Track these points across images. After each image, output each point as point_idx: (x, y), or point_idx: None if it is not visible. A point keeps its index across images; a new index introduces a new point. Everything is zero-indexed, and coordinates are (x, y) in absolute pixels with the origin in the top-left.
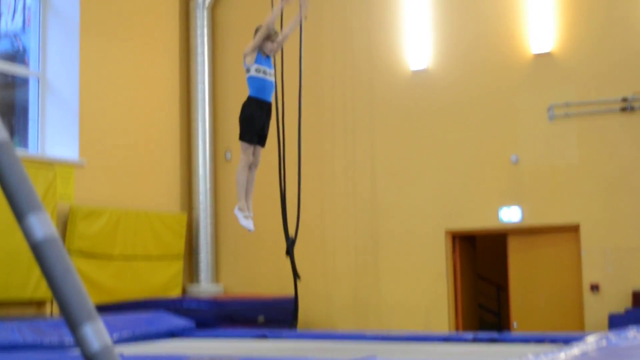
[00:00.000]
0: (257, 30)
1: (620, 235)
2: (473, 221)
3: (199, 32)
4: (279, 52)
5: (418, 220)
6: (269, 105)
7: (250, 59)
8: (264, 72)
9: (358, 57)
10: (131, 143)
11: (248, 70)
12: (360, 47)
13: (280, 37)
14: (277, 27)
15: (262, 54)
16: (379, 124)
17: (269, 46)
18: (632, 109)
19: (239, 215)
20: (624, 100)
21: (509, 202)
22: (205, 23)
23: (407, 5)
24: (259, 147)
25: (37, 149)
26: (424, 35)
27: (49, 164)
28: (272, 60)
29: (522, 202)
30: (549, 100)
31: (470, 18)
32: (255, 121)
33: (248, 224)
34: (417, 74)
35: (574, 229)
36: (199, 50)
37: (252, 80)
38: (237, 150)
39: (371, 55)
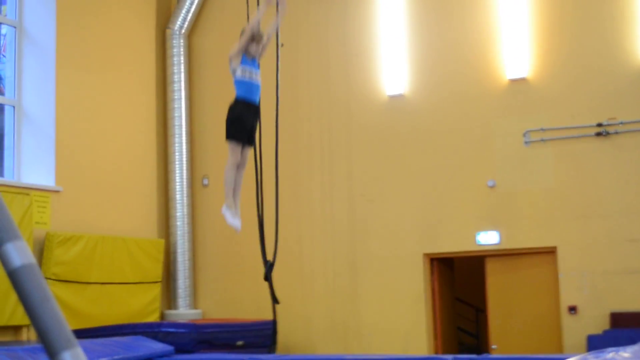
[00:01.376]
0: (242, 33)
1: (596, 258)
2: (451, 244)
3: (175, 59)
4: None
5: (396, 244)
6: (256, 106)
7: (236, 62)
8: (250, 74)
9: (335, 81)
10: (108, 169)
11: (234, 73)
12: (337, 72)
13: (264, 39)
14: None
15: (248, 56)
16: (356, 148)
17: (253, 48)
18: (607, 133)
19: (227, 214)
20: (599, 125)
21: (486, 226)
22: (182, 51)
23: (384, 31)
24: (246, 147)
25: (13, 176)
26: (400, 60)
27: (25, 191)
28: (257, 62)
29: (499, 225)
30: (525, 125)
31: (446, 44)
32: (243, 121)
33: (235, 222)
34: (393, 99)
35: (551, 252)
36: (175, 77)
37: (238, 83)
38: (215, 176)
39: (348, 80)
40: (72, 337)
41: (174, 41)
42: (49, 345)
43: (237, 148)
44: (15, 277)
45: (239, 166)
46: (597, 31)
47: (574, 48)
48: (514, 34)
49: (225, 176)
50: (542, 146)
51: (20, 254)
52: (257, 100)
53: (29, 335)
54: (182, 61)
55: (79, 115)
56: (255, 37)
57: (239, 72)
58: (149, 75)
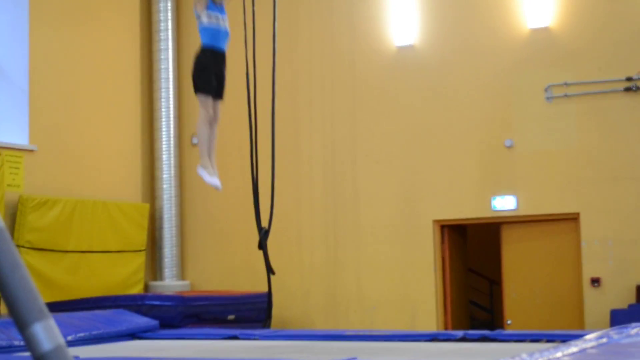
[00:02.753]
0: None
1: (623, 225)
2: (464, 210)
3: (161, 5)
4: (250, 25)
5: (403, 210)
6: (223, 54)
7: (200, 7)
8: (217, 19)
9: (338, 31)
10: (87, 128)
11: (199, 18)
12: (341, 20)
13: None
14: None
15: (215, 1)
16: (361, 106)
17: None
18: (637, 89)
19: (203, 174)
20: (629, 79)
21: (502, 190)
22: (169, 2)
23: None
24: (217, 101)
25: None
26: (409, 8)
27: None
28: (224, 7)
29: (517, 190)
30: (547, 79)
31: None
32: (211, 72)
33: (214, 181)
34: (402, 50)
35: (574, 219)
36: (162, 25)
37: (204, 30)
38: None
39: (352, 30)
40: (44, 307)
41: None
42: (18, 317)
43: (208, 101)
44: None
45: (212, 121)
46: None
47: None
48: None
49: (199, 133)
50: (565, 102)
51: None
52: (225, 47)
53: (0, 309)
54: (169, 12)
55: (55, 69)
56: None
57: (204, 18)
58: (131, 24)
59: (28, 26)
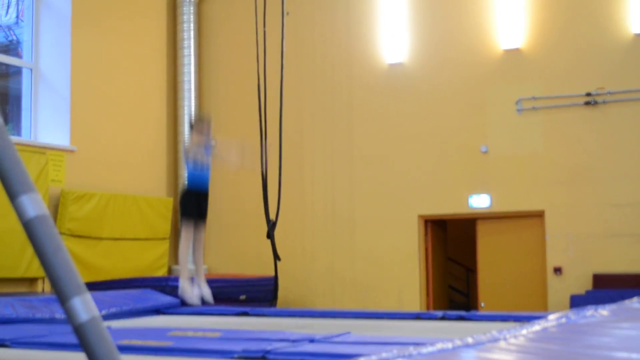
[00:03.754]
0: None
1: (582, 221)
2: (444, 207)
3: (185, 26)
4: (261, 43)
5: (392, 205)
6: (206, 193)
7: (192, 155)
8: (202, 165)
9: (338, 49)
10: (120, 130)
11: (187, 163)
12: (340, 40)
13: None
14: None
15: (202, 148)
16: (357, 114)
17: (205, 140)
18: (595, 103)
19: (185, 291)
20: (588, 94)
21: (478, 190)
22: (192, 18)
23: (385, 2)
24: (200, 222)
25: (30, 136)
26: (400, 30)
27: (41, 150)
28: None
29: (490, 189)
30: (518, 94)
31: (444, 15)
32: (194, 207)
33: (195, 301)
34: (393, 67)
35: (539, 215)
36: (186, 43)
37: (191, 175)
38: (221, 138)
39: (350, 49)
40: (82, 284)
41: (185, 8)
42: (60, 292)
43: (190, 224)
44: (29, 227)
45: (197, 240)
46: (588, 4)
47: (566, 20)
48: (509, 6)
49: (181, 253)
50: (533, 114)
51: (34, 205)
52: (207, 188)
53: (44, 287)
54: (192, 27)
55: (93, 78)
56: (202, 130)
57: (191, 165)
58: (160, 40)
59: (70, 38)
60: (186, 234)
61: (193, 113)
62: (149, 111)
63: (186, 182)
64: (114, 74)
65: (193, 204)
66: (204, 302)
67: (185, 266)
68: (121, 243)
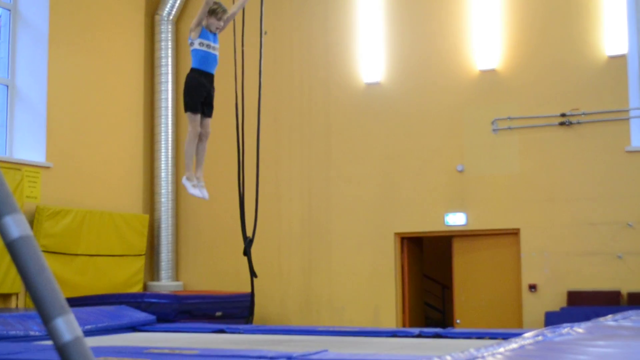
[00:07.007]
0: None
1: (556, 239)
2: (421, 225)
3: (163, 44)
4: (239, 62)
5: (369, 223)
6: (212, 76)
7: (195, 34)
8: (208, 46)
9: (316, 69)
10: (97, 147)
11: (192, 44)
12: (318, 60)
13: (227, 14)
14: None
15: (208, 30)
16: (335, 132)
17: (214, 23)
18: (570, 123)
19: (187, 185)
20: (563, 115)
21: (454, 208)
22: (170, 36)
23: (363, 23)
24: (206, 118)
25: (6, 152)
26: (377, 50)
27: (17, 166)
28: (217, 36)
29: (466, 208)
30: (493, 114)
31: (421, 35)
32: (200, 91)
33: (198, 192)
34: (370, 86)
35: (515, 234)
36: (163, 61)
37: (195, 52)
38: None
39: (328, 68)
40: (65, 304)
41: (162, 27)
42: (44, 312)
43: (197, 118)
44: (13, 248)
45: (202, 136)
46: (563, 26)
47: (541, 42)
48: (485, 28)
49: (186, 147)
50: (508, 134)
51: (18, 226)
52: (213, 70)
53: (18, 303)
54: (169, 46)
55: (70, 95)
56: (216, 12)
57: (197, 43)
58: (137, 59)
59: (47, 56)
60: (193, 130)
61: (170, 131)
62: (126, 128)
63: (192, 63)
64: (91, 90)
65: (198, 92)
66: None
67: (190, 162)
68: (97, 259)
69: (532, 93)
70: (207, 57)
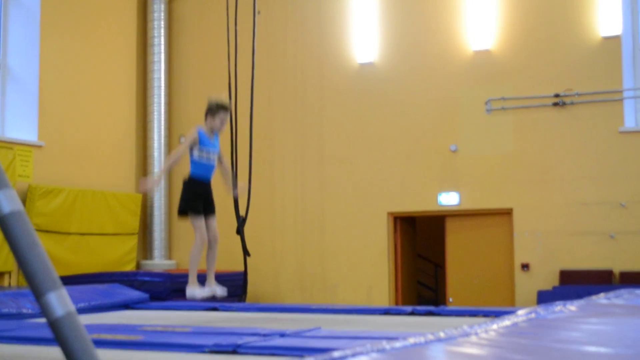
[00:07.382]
0: (208, 111)
1: (549, 219)
2: (414, 204)
3: (156, 23)
4: (232, 42)
5: (362, 203)
6: (209, 182)
7: (195, 146)
8: (207, 154)
9: (309, 49)
10: (89, 126)
11: (191, 151)
12: (312, 40)
13: (224, 129)
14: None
15: (210, 133)
16: (328, 112)
17: (217, 125)
18: (563, 104)
19: (194, 294)
20: (557, 96)
21: (447, 188)
22: (162, 16)
23: (356, 2)
24: (211, 217)
25: None
26: (371, 30)
27: (9, 145)
28: (218, 138)
29: (459, 187)
30: (487, 94)
31: (415, 15)
32: (198, 195)
33: (205, 292)
34: (364, 67)
35: (507, 213)
36: (156, 41)
37: (194, 163)
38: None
39: (322, 48)
40: (57, 279)
41: (155, 6)
42: (36, 287)
43: (201, 221)
44: (4, 223)
45: (211, 242)
46: (557, 7)
47: (535, 23)
48: (479, 8)
49: (193, 255)
50: (502, 114)
51: (10, 201)
52: (211, 177)
53: (11, 281)
54: (162, 25)
55: (62, 74)
56: (215, 112)
57: (196, 154)
58: (130, 38)
59: (39, 36)
60: (200, 237)
61: (163, 111)
62: (118, 107)
63: (190, 171)
64: (83, 70)
65: (197, 198)
66: (214, 297)
67: (195, 269)
68: (89, 238)
69: (526, 73)
70: (206, 168)
